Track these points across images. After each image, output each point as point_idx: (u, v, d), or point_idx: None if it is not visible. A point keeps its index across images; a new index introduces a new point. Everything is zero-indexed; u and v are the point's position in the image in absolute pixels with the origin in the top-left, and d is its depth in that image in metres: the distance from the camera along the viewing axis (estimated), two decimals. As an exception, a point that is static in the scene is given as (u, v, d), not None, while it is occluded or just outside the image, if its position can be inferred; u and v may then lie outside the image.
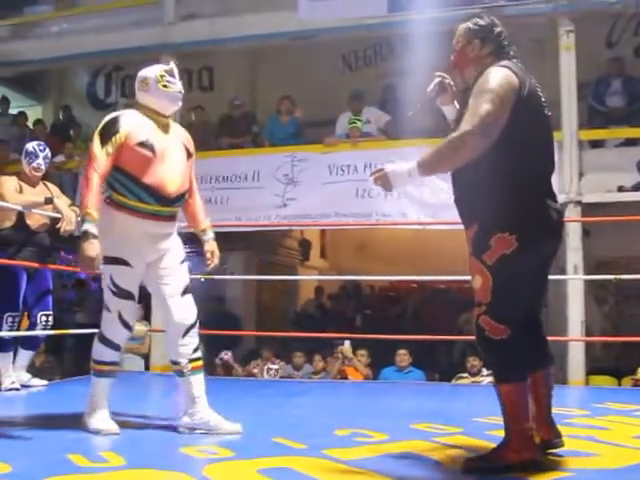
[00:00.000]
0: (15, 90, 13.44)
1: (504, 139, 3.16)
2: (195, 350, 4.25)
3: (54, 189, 6.52)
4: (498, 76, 3.22)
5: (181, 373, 4.23)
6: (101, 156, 4.02)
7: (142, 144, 4.10)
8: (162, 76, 4.24)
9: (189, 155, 4.42)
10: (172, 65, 4.33)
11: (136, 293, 4.22)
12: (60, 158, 10.43)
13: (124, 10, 10.57)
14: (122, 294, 4.13)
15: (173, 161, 4.23)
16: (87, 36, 10.53)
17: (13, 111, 12.47)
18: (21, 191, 6.23)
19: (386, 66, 11.97)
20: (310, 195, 9.17)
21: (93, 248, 3.89)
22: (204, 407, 4.21)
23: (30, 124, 12.02)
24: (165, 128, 4.29)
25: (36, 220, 6.28)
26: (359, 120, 9.51)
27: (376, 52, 12.43)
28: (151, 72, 4.27)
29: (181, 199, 4.32)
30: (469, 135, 3.11)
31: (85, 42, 10.48)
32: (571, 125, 8.55)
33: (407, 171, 3.24)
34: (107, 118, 4.18)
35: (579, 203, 8.45)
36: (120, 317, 4.13)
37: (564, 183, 8.41)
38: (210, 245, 4.58)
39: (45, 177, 6.68)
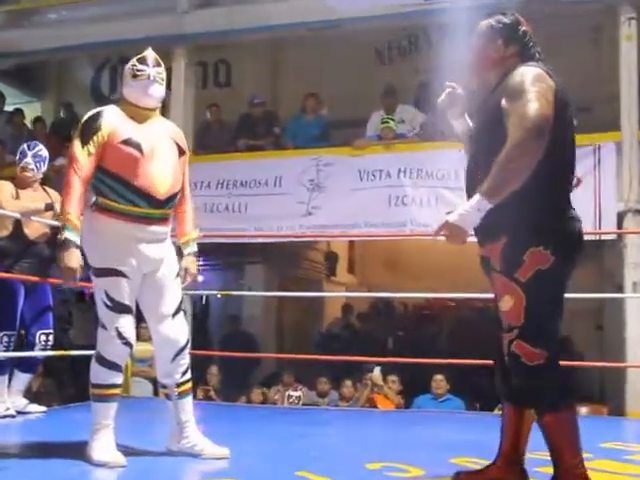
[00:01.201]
0: (10, 85, 13.49)
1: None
2: (184, 373, 4.39)
3: (54, 194, 6.49)
4: (534, 75, 3.26)
5: (169, 397, 4.40)
6: (82, 157, 4.10)
7: (127, 142, 4.15)
8: (133, 66, 4.32)
9: (181, 152, 4.45)
10: (146, 52, 4.39)
11: (133, 306, 4.26)
12: (61, 161, 10.46)
13: (132, -4, 10.65)
14: (118, 308, 4.15)
15: (163, 159, 4.27)
16: (90, 25, 10.56)
17: (9, 108, 12.49)
18: (17, 197, 6.24)
19: (423, 59, 11.94)
20: (338, 203, 9.18)
21: (74, 258, 3.97)
22: (192, 432, 4.38)
23: (28, 122, 12.09)
24: (150, 123, 4.34)
25: (35, 229, 6.29)
26: (392, 120, 9.51)
27: (411, 43, 12.40)
28: (128, 65, 4.37)
29: (173, 200, 4.37)
30: (526, 140, 3.11)
31: (88, 32, 10.51)
32: (631, 124, 8.44)
33: (474, 208, 3.19)
34: (86, 116, 4.25)
35: (639, 212, 8.39)
36: (118, 334, 4.14)
37: (622, 189, 8.34)
38: (186, 261, 4.58)
39: (45, 182, 6.72)
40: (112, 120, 4.19)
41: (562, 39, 9.79)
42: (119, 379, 4.26)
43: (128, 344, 4.19)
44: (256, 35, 10.23)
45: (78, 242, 3.98)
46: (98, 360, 4.20)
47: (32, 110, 13.33)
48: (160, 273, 4.32)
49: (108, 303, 4.15)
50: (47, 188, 6.62)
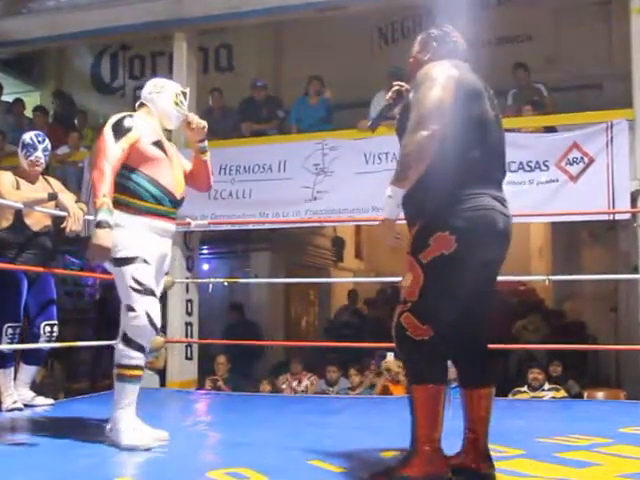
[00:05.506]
0: (9, 74, 13.52)
1: (446, 134, 3.37)
2: None
3: (56, 184, 6.44)
4: (435, 68, 3.50)
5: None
6: (115, 149, 4.32)
7: (156, 144, 4.50)
8: (177, 95, 4.77)
9: None
10: (187, 89, 4.90)
11: (158, 294, 4.48)
12: (64, 149, 10.46)
13: (131, -19, 10.59)
14: (147, 291, 4.35)
15: (178, 165, 4.72)
16: (89, 11, 10.52)
17: (7, 98, 12.48)
18: (18, 188, 6.18)
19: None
20: (344, 187, 9.14)
21: (109, 238, 4.12)
22: None
23: (28, 112, 12.09)
24: (167, 136, 4.75)
25: (36, 220, 6.23)
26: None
27: (415, 23, 12.31)
28: (170, 85, 4.82)
29: (183, 202, 4.70)
30: (420, 124, 3.34)
31: (87, 18, 10.46)
32: (644, 101, 8.35)
33: (386, 196, 3.45)
34: (119, 116, 4.50)
35: (653, 191, 8.27)
36: (147, 316, 4.31)
37: (636, 168, 8.20)
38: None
39: (45, 171, 6.67)
40: (141, 123, 4.51)
41: (571, 14, 9.78)
42: (142, 361, 4.42)
43: (154, 326, 4.37)
44: (257, 18, 10.15)
45: (112, 224, 4.14)
46: (125, 341, 4.35)
47: (31, 99, 13.30)
48: (164, 266, 4.66)
49: (137, 287, 4.32)
50: (48, 178, 6.55)
